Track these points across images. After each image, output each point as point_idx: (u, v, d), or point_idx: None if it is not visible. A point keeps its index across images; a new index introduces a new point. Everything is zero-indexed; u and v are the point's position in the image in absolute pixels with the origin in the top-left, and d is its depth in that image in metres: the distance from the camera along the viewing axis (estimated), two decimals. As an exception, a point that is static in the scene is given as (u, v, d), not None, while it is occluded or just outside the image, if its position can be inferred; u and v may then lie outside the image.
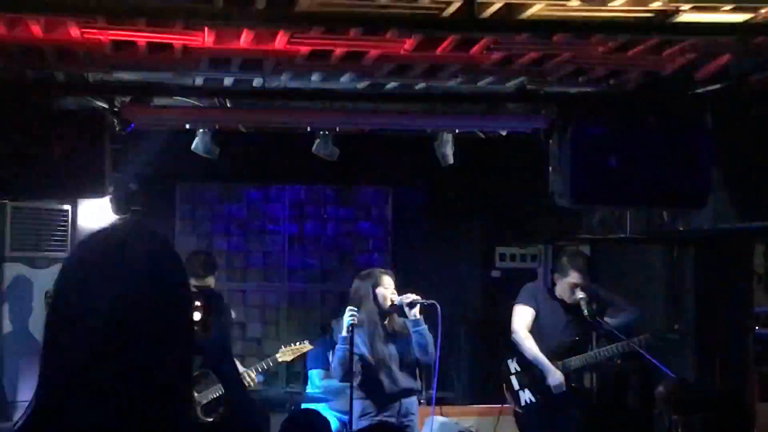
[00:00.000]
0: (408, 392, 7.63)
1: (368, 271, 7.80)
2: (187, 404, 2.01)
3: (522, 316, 8.04)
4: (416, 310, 7.49)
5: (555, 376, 7.83)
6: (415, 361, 7.63)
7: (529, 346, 7.96)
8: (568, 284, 7.93)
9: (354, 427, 7.49)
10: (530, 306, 8.04)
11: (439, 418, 8.44)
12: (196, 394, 7.86)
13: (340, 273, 10.99)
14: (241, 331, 9.81)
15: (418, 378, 7.75)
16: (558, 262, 8.31)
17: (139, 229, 2.05)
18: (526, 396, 7.86)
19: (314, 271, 10.94)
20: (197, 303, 6.78)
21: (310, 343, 8.66)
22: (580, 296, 7.99)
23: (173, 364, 1.94)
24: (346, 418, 7.84)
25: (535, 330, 8.01)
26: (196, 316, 6.83)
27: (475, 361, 10.55)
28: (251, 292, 10.88)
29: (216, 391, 7.89)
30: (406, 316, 7.58)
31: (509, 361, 7.99)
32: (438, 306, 7.41)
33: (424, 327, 7.50)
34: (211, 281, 8.04)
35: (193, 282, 7.90)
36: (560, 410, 7.81)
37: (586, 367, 7.96)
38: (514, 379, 7.92)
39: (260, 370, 8.02)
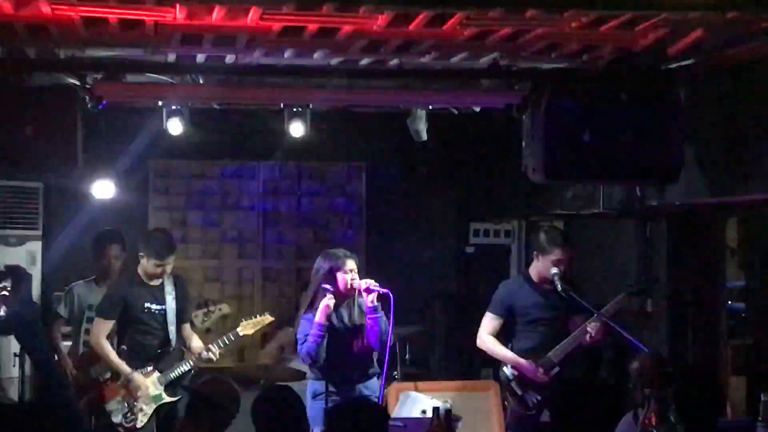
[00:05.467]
0: (363, 376, 7.53)
1: (333, 251, 7.59)
2: None
3: (486, 326, 8.03)
4: (372, 296, 7.36)
5: (528, 369, 7.83)
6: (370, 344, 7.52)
7: (497, 351, 7.96)
8: (551, 261, 7.91)
9: (308, 409, 7.42)
10: (496, 314, 8.00)
11: (414, 394, 8.46)
12: (158, 373, 7.85)
13: (315, 250, 10.92)
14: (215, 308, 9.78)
15: (375, 361, 7.63)
16: (536, 240, 8.24)
17: None
18: (532, 397, 7.84)
19: (289, 248, 10.93)
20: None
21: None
22: (554, 272, 8.01)
23: None
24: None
25: (517, 328, 7.99)
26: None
27: (449, 337, 10.59)
28: (226, 269, 10.87)
29: (179, 368, 7.87)
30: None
31: (504, 368, 7.96)
32: (391, 295, 7.30)
33: (380, 315, 7.30)
34: (171, 261, 7.97)
35: (155, 262, 7.86)
36: (568, 400, 7.79)
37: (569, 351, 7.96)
38: (515, 386, 7.88)
39: (221, 345, 7.98)
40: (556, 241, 7.94)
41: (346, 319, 7.47)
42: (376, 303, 7.34)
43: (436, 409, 6.28)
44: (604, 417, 5.02)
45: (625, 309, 8.25)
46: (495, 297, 8.08)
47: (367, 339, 7.43)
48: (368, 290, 7.33)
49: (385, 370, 7.42)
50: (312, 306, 7.38)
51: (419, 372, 9.47)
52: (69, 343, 8.74)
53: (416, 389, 8.71)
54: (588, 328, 7.69)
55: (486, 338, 8.00)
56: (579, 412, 4.92)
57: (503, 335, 8.05)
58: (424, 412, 7.66)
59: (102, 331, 7.89)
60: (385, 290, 7.33)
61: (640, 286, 8.05)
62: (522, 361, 7.83)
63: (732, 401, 8.28)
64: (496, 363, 8.11)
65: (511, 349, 7.95)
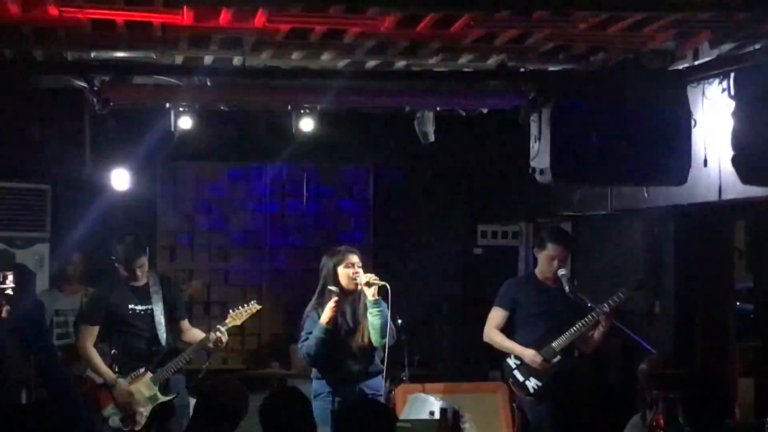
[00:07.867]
0: (367, 374, 7.46)
1: (335, 249, 7.59)
2: None
3: (491, 320, 8.14)
4: (373, 290, 7.32)
5: (526, 354, 7.86)
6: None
7: (500, 341, 8.05)
8: (546, 257, 7.97)
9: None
10: (502, 307, 8.09)
11: (422, 396, 8.47)
12: (150, 374, 7.82)
13: (322, 251, 10.96)
14: (222, 310, 9.78)
15: (377, 359, 7.55)
16: (537, 237, 8.37)
17: None
18: (532, 384, 7.86)
19: (296, 250, 10.93)
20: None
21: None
22: (562, 273, 8.01)
23: None
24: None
25: (520, 320, 8.03)
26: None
27: (457, 339, 10.58)
28: (233, 270, 10.87)
29: (172, 367, 7.83)
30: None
31: (508, 359, 8.00)
32: (388, 288, 7.30)
33: (381, 309, 7.26)
34: (141, 262, 7.92)
35: (124, 267, 7.81)
36: (568, 387, 7.81)
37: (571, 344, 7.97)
38: (517, 373, 7.93)
39: (212, 339, 7.88)
40: (551, 238, 8.02)
41: (349, 317, 7.39)
42: (377, 297, 7.30)
43: (443, 411, 6.30)
44: (613, 418, 5.02)
45: (631, 309, 8.25)
46: (502, 291, 8.19)
47: (368, 336, 7.37)
48: (368, 284, 7.30)
49: (384, 366, 7.41)
50: (320, 305, 7.36)
51: (427, 373, 9.46)
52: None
53: (424, 391, 8.71)
54: (600, 318, 7.72)
55: (493, 332, 8.08)
56: (588, 414, 4.93)
57: (508, 330, 8.10)
58: (431, 413, 7.67)
59: (87, 337, 7.85)
60: (381, 283, 7.29)
61: (640, 283, 8.07)
62: (525, 350, 7.87)
63: (740, 403, 8.27)
64: (502, 357, 8.14)
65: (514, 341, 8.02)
